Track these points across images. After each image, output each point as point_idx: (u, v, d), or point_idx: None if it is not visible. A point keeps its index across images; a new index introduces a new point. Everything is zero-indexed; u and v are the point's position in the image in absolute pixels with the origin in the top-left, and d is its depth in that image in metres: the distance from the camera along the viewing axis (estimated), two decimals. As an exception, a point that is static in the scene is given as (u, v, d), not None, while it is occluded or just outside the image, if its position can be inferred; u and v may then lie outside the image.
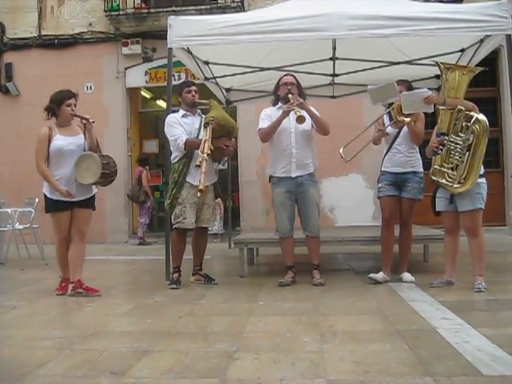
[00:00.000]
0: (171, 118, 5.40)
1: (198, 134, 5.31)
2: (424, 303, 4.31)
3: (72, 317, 4.48)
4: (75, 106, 5.10)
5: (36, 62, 11.09)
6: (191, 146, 5.19)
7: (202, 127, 5.24)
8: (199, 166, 4.86)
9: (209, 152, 4.90)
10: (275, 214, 5.49)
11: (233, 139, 5.56)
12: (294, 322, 3.91)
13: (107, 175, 5.07)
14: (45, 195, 5.09)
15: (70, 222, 5.09)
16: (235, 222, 10.12)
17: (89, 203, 5.18)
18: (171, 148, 5.43)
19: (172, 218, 5.38)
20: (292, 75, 5.54)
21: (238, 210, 10.78)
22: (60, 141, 5.01)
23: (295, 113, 5.00)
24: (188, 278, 5.54)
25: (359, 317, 4.04)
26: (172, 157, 5.44)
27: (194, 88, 5.47)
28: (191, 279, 5.56)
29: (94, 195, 5.23)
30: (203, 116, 5.44)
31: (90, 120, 5.01)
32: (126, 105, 11.34)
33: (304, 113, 5.10)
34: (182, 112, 5.45)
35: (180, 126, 5.31)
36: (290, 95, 5.20)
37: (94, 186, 5.19)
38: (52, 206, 5.05)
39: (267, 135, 5.38)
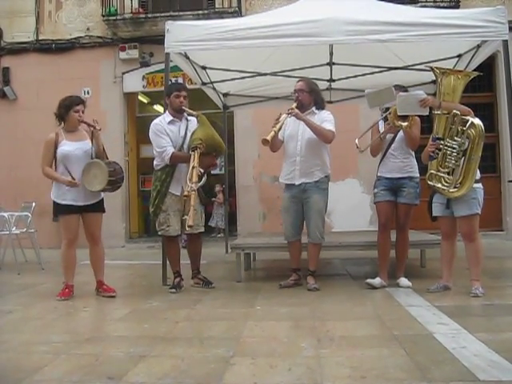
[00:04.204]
0: (157, 126, 5.29)
1: (183, 142, 5.26)
2: (421, 308, 4.31)
3: (68, 321, 4.47)
4: (83, 112, 5.17)
5: (33, 67, 11.07)
6: (177, 161, 5.17)
7: (189, 136, 5.20)
8: (187, 197, 4.84)
9: (196, 179, 4.87)
10: (282, 218, 5.57)
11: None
12: (291, 327, 3.91)
13: (114, 182, 5.12)
14: (53, 201, 5.15)
15: (80, 227, 5.20)
16: (232, 227, 10.12)
17: (97, 207, 5.24)
18: (154, 154, 5.34)
19: (156, 225, 5.38)
20: (303, 80, 5.52)
21: (235, 215, 10.77)
22: (66, 146, 5.09)
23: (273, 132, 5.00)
24: (188, 282, 5.56)
25: (356, 322, 4.04)
26: (154, 163, 5.35)
27: (183, 93, 5.33)
28: (191, 282, 5.60)
29: (102, 199, 5.30)
30: (190, 120, 5.37)
31: (97, 127, 5.08)
32: (124, 109, 11.32)
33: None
34: (168, 117, 5.35)
35: (166, 136, 5.23)
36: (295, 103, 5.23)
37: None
38: (60, 209, 5.12)
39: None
